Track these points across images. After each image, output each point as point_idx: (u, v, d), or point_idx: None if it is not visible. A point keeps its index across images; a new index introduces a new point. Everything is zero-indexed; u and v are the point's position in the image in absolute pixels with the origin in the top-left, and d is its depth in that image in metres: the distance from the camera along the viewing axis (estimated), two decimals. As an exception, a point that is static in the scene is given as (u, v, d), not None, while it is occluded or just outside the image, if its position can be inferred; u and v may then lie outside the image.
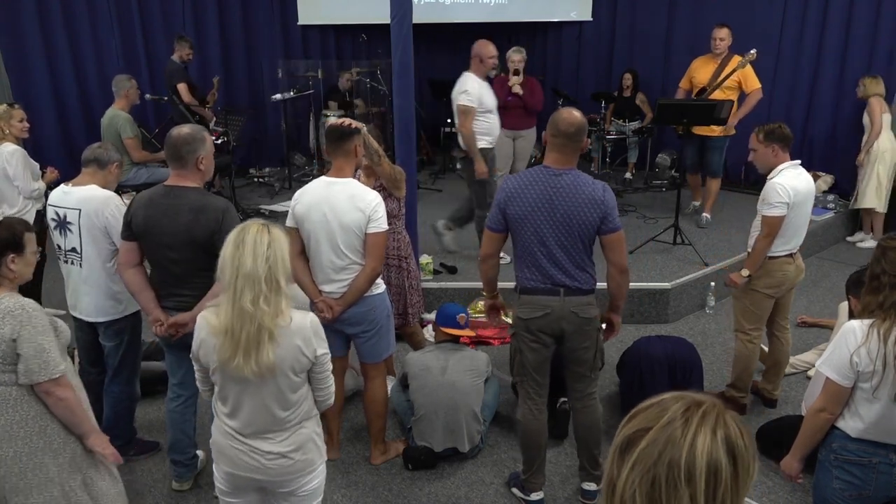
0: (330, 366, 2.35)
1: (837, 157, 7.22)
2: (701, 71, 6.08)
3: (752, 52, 5.70)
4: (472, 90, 5.05)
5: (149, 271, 3.11)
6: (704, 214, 6.35)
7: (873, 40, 6.76)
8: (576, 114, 2.90)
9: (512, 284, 3.11)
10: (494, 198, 2.97)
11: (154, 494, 3.35)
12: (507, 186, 2.92)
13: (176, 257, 2.89)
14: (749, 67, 5.83)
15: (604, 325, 3.16)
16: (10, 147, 4.58)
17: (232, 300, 2.11)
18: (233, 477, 2.32)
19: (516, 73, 5.72)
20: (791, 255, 3.67)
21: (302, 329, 2.21)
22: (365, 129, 3.35)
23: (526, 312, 2.98)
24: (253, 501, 2.42)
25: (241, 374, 2.14)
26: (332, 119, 3.78)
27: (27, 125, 4.76)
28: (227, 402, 2.26)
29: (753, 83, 5.92)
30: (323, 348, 2.28)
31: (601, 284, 3.04)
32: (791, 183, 3.53)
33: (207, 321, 2.19)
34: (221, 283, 2.15)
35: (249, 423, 2.24)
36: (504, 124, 5.71)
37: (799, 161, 3.67)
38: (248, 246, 2.10)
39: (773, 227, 3.55)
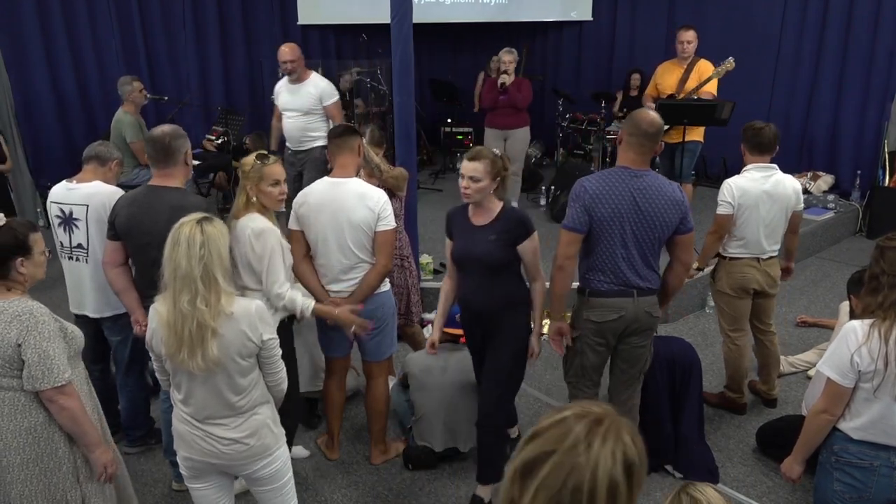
0: (279, 350, 2.37)
1: (837, 157, 7.22)
2: (666, 77, 5.74)
3: (729, 59, 5.37)
4: None
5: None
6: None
7: (873, 40, 6.76)
8: (654, 114, 2.90)
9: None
10: (574, 197, 2.88)
11: (154, 494, 3.35)
12: (591, 188, 2.83)
13: (157, 257, 2.87)
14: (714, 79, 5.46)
15: None
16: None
17: (172, 299, 2.15)
18: (192, 462, 2.36)
19: (505, 72, 6.18)
20: (757, 260, 3.65)
21: (247, 314, 2.23)
22: (365, 142, 3.34)
23: (599, 315, 2.93)
24: (219, 485, 2.45)
25: (187, 368, 2.18)
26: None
27: (284, 191, 2.95)
28: (180, 389, 2.30)
29: (712, 92, 5.51)
30: (269, 333, 2.30)
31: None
32: (739, 183, 3.55)
33: (158, 311, 2.22)
34: (163, 279, 2.18)
35: (203, 409, 2.28)
36: (494, 123, 6.34)
37: (774, 165, 3.60)
38: (182, 246, 2.13)
39: (719, 224, 3.62)
